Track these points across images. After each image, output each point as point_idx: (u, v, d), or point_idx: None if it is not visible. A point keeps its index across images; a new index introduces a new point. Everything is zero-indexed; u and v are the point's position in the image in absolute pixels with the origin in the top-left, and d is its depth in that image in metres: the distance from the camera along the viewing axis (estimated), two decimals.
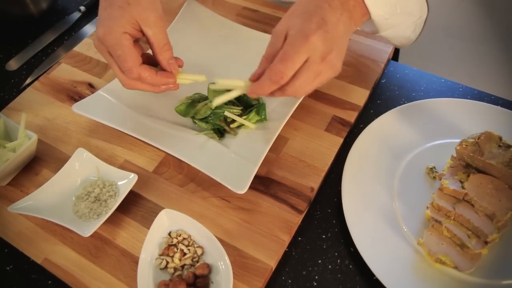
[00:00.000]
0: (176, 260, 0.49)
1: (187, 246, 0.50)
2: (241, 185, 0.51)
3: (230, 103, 0.60)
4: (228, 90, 0.51)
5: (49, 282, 0.53)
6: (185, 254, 0.50)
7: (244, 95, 0.52)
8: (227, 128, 0.59)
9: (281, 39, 0.47)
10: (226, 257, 0.47)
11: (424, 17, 0.58)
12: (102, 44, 0.52)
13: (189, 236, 0.51)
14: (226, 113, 0.58)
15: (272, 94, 0.49)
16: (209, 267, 0.48)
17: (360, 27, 0.61)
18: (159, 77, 0.53)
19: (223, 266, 0.48)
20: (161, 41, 0.53)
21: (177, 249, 0.50)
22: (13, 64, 0.78)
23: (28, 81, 0.74)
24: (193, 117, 0.61)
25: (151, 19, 0.52)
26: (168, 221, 0.52)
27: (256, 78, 0.49)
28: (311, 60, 0.46)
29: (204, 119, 0.59)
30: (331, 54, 0.46)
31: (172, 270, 0.49)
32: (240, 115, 0.60)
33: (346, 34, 0.49)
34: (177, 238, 0.51)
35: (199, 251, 0.50)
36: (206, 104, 0.60)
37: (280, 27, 0.48)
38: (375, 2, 0.50)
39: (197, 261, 0.50)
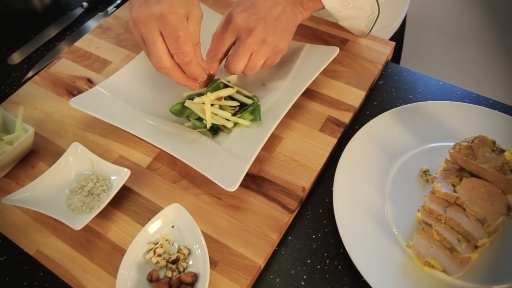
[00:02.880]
0: (161, 249, 0.50)
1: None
2: (231, 183, 0.51)
3: (228, 97, 0.61)
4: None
5: (41, 274, 0.53)
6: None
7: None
8: (221, 126, 0.60)
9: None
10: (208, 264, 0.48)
11: (376, 14, 0.65)
12: (155, 22, 0.50)
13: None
14: (218, 113, 0.59)
15: (228, 69, 0.57)
16: (195, 277, 0.48)
17: (316, 14, 0.68)
18: (200, 69, 0.55)
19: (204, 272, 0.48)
20: (196, 40, 0.54)
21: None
22: (15, 58, 0.79)
23: (29, 75, 0.75)
24: (188, 117, 0.61)
25: (197, 16, 0.53)
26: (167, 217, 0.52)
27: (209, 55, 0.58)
28: (239, 38, 0.55)
29: (199, 119, 0.60)
30: (255, 30, 0.54)
31: (156, 260, 0.49)
32: (234, 114, 0.60)
33: (287, 18, 0.57)
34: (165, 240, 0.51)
35: (185, 251, 0.50)
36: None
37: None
38: None
39: (184, 260, 0.50)
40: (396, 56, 1.01)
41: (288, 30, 0.58)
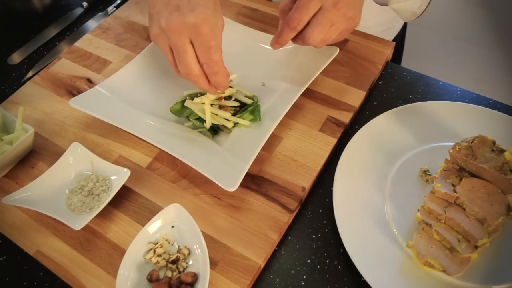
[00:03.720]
0: (160, 249, 0.50)
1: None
2: (231, 183, 0.51)
3: (228, 97, 0.61)
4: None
5: (41, 274, 0.53)
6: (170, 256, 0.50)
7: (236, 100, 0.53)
8: (221, 126, 0.60)
9: None
10: (208, 266, 0.47)
11: None
12: (187, 31, 0.49)
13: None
14: (218, 113, 0.59)
15: (295, 41, 0.55)
16: (195, 277, 0.48)
17: None
18: (226, 79, 0.54)
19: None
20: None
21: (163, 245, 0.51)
22: (15, 58, 0.79)
23: (29, 75, 0.75)
24: (187, 117, 0.61)
25: (221, 25, 0.52)
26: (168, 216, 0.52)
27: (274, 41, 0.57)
28: (324, 7, 0.52)
29: (199, 119, 0.60)
30: (341, 2, 0.52)
31: (156, 260, 0.49)
32: (234, 113, 0.60)
33: None
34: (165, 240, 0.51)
35: (185, 251, 0.50)
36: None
37: None
38: None
39: (184, 260, 0.50)
40: (397, 57, 1.01)
41: (361, 6, 0.57)
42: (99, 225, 0.55)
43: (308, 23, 0.54)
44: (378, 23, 0.84)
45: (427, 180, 0.56)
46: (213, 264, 0.50)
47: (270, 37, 0.68)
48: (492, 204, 0.49)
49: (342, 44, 0.70)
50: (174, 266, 0.49)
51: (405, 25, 0.95)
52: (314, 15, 0.53)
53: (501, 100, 0.64)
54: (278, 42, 0.56)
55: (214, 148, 0.57)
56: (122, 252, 0.51)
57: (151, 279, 0.48)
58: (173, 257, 0.49)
